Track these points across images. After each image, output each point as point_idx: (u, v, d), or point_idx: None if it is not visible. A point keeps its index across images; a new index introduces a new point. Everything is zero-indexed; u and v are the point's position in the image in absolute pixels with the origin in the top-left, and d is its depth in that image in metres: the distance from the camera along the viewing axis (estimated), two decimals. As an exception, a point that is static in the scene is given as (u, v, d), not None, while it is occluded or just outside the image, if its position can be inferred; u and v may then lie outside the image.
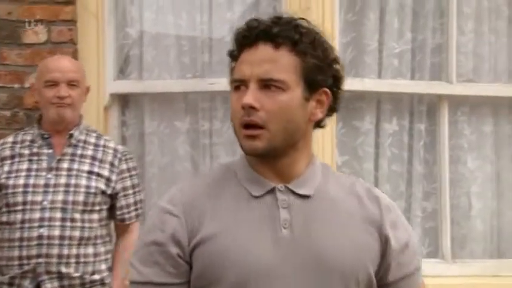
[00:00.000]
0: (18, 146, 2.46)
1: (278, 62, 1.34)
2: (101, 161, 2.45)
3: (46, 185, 2.37)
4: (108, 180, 2.44)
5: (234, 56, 1.40)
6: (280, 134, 1.33)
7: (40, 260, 2.32)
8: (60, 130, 2.46)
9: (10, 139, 2.50)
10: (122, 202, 2.48)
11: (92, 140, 2.49)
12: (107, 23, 2.94)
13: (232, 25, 3.03)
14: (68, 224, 2.35)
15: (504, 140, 3.14)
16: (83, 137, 2.48)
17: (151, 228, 1.37)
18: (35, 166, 2.40)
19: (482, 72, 3.09)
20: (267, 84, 1.33)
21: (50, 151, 2.43)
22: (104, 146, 2.49)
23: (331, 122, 2.82)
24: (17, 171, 2.40)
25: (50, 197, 2.35)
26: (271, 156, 1.36)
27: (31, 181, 2.38)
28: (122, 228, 2.53)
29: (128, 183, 2.49)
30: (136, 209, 2.53)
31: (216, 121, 2.99)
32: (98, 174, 2.42)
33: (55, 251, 2.33)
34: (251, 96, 1.33)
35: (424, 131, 3.01)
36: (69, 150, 2.44)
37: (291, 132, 1.35)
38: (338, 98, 1.42)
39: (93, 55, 2.91)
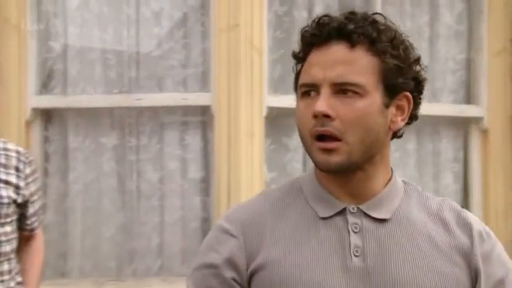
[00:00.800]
0: None
1: (354, 63, 1.17)
2: (6, 167, 2.15)
3: None
4: (17, 187, 2.16)
5: (299, 57, 1.23)
6: (359, 146, 1.16)
7: None
8: None
9: None
10: (30, 210, 2.23)
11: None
12: (30, 36, 2.86)
13: (159, 40, 3.00)
14: None
15: (426, 158, 3.22)
16: None
17: (207, 248, 1.23)
18: None
19: (406, 91, 3.16)
20: (342, 89, 1.16)
21: None
22: (5, 149, 2.18)
23: (260, 138, 2.84)
24: None
25: None
26: (347, 172, 1.19)
27: None
28: (27, 239, 2.30)
29: (33, 188, 2.22)
30: (41, 214, 2.32)
31: (143, 137, 2.93)
32: (6, 182, 2.15)
33: None
34: (324, 103, 1.15)
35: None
36: None
37: (369, 144, 1.17)
38: (419, 103, 1.25)
39: (14, 69, 2.81)
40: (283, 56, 2.97)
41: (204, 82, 2.91)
